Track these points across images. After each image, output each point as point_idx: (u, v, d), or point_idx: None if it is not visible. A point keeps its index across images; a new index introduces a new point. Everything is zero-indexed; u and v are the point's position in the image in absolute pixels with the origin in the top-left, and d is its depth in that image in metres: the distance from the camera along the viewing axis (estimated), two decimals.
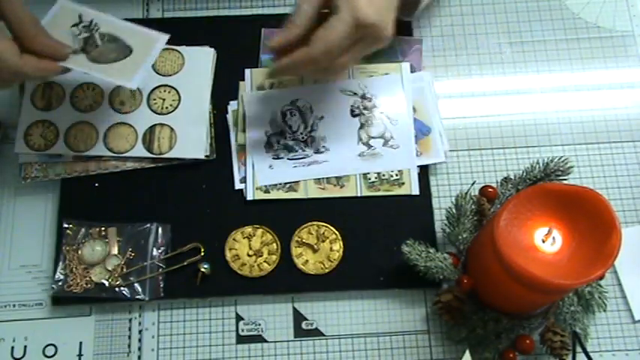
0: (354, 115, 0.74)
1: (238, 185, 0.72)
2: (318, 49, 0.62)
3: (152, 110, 0.73)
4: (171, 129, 0.72)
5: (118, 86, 0.73)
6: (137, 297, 0.67)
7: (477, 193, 0.70)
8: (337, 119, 0.74)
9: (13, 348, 0.67)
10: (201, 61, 0.75)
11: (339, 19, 0.61)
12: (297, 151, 0.73)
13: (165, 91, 0.74)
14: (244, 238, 0.70)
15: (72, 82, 0.73)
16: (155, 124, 0.72)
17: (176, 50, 0.75)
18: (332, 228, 0.70)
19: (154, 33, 0.68)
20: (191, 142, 0.72)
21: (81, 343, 0.67)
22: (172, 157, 0.71)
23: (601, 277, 0.66)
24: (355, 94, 0.75)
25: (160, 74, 0.74)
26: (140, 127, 0.72)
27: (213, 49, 0.76)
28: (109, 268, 0.68)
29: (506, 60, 0.78)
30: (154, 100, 0.73)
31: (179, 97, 0.73)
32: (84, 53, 0.66)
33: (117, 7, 0.78)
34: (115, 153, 0.71)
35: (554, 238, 0.57)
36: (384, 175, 0.72)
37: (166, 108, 0.73)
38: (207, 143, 0.72)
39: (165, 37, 0.68)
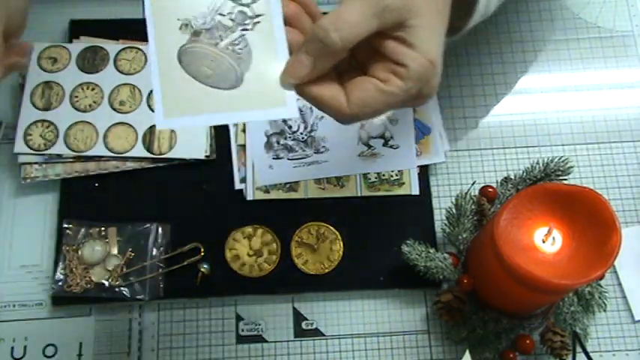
0: None
1: (238, 185, 0.72)
2: (354, 110, 0.46)
3: (152, 110, 0.71)
4: (172, 130, 0.71)
5: (117, 86, 0.73)
6: (137, 297, 0.67)
7: (477, 193, 0.70)
8: None
9: (13, 348, 0.67)
10: None
11: (402, 89, 0.46)
12: (297, 151, 0.73)
13: None
14: (244, 238, 0.70)
15: (71, 83, 0.73)
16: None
17: None
18: (332, 228, 0.70)
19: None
20: (191, 142, 0.71)
21: (81, 343, 0.67)
22: (172, 157, 0.71)
23: (601, 277, 0.66)
24: None
25: None
26: (140, 127, 0.72)
27: None
28: (109, 268, 0.68)
29: (506, 60, 0.78)
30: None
31: None
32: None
33: (117, 5, 0.78)
34: (115, 153, 0.71)
35: (554, 238, 0.57)
36: (384, 175, 0.72)
37: None
38: (208, 143, 0.71)
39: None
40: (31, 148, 0.70)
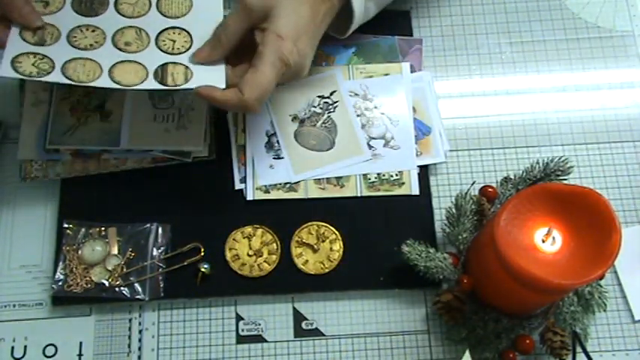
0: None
1: (238, 185, 0.72)
2: (252, 96, 0.61)
3: (162, 51, 0.67)
4: (186, 67, 0.66)
5: (121, 28, 0.68)
6: (137, 297, 0.67)
7: (477, 193, 0.70)
8: None
9: (13, 348, 0.67)
10: (210, 1, 0.70)
11: (267, 64, 0.61)
12: None
13: (175, 32, 0.68)
14: (244, 238, 0.70)
15: (67, 24, 0.67)
16: (167, 63, 0.66)
17: None
18: (332, 228, 0.70)
19: None
20: (209, 74, 0.65)
21: (81, 343, 0.67)
22: (190, 87, 0.64)
23: (601, 277, 0.66)
24: (356, 94, 0.75)
25: (167, 16, 0.69)
26: (150, 65, 0.66)
27: None
28: (109, 268, 0.68)
29: (506, 60, 0.78)
30: (164, 41, 0.67)
31: (191, 38, 0.68)
32: None
33: None
34: (123, 86, 0.64)
35: (554, 238, 0.57)
36: (384, 175, 0.72)
37: (177, 49, 0.67)
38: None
39: None
40: (22, 74, 0.62)
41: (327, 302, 0.69)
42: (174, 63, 0.66)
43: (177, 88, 0.64)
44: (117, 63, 0.65)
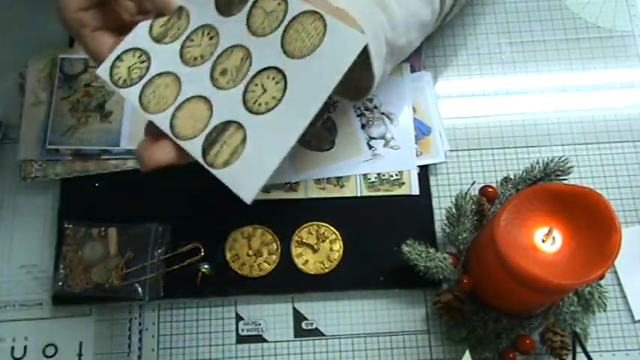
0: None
1: None
2: None
3: (243, 99, 0.52)
4: (244, 138, 0.51)
5: (235, 44, 0.54)
6: (137, 297, 0.67)
7: (477, 193, 0.70)
8: None
9: (13, 348, 0.67)
10: (345, 44, 0.51)
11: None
12: None
13: (272, 77, 0.52)
14: (244, 238, 0.70)
15: (198, 19, 0.56)
16: (233, 121, 0.52)
17: (320, 16, 0.51)
18: (332, 228, 0.70)
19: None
20: (251, 169, 0.50)
21: (81, 343, 0.67)
22: (219, 177, 0.51)
23: (601, 277, 0.66)
24: None
25: (284, 49, 0.52)
26: (217, 115, 0.53)
27: (363, 34, 0.53)
28: (109, 268, 0.68)
29: (506, 60, 0.78)
30: (255, 84, 0.52)
31: (283, 93, 0.51)
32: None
33: None
34: (174, 136, 0.52)
35: (554, 238, 0.57)
36: (384, 175, 0.72)
37: (259, 105, 0.52)
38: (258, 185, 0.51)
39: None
40: (112, 80, 0.55)
41: (327, 302, 0.69)
42: (240, 126, 0.52)
43: (210, 170, 0.52)
44: (193, 97, 0.54)
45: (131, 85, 0.55)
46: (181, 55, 0.55)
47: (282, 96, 0.51)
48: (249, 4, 0.54)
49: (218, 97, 0.53)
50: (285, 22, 0.53)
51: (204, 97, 0.53)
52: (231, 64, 0.54)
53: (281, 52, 0.52)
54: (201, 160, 0.52)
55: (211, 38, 0.55)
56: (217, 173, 0.51)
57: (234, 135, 0.52)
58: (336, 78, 0.50)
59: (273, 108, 0.51)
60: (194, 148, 0.52)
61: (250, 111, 0.52)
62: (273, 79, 0.52)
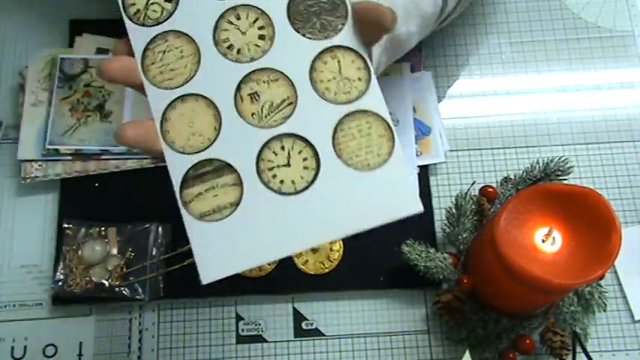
0: None
1: None
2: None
3: (258, 156, 0.41)
4: (239, 202, 0.41)
5: (278, 73, 0.42)
6: (137, 297, 0.67)
7: (477, 193, 0.70)
8: None
9: (13, 348, 0.67)
10: (398, 193, 0.45)
11: None
12: None
13: (302, 154, 0.42)
14: None
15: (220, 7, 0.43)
16: (235, 170, 0.41)
17: (390, 131, 0.45)
18: None
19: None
20: (228, 248, 0.42)
21: (81, 343, 0.67)
22: (185, 223, 0.44)
23: (601, 277, 0.66)
24: None
25: (334, 137, 0.42)
26: (220, 145, 0.42)
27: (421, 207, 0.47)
28: (109, 268, 0.68)
29: (506, 60, 0.78)
30: (281, 148, 0.42)
31: (307, 186, 0.41)
32: None
33: None
34: (161, 133, 0.43)
35: (554, 238, 0.57)
36: None
37: (274, 177, 0.41)
38: None
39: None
40: (130, 18, 0.43)
41: (327, 302, 0.69)
42: (237, 181, 0.41)
43: (180, 209, 0.42)
44: (205, 99, 0.42)
45: (142, 25, 0.42)
46: (215, 29, 0.42)
47: (306, 188, 0.39)
48: (327, 43, 0.40)
49: (232, 123, 0.40)
50: (353, 107, 0.41)
51: (217, 110, 0.41)
52: (269, 95, 0.41)
53: (329, 135, 0.40)
54: (176, 188, 0.41)
55: (261, 38, 0.42)
56: (187, 221, 0.40)
57: (230, 190, 0.40)
58: (364, 225, 0.40)
59: (286, 194, 0.40)
60: (175, 166, 0.41)
61: (259, 176, 0.40)
62: (305, 159, 0.40)
